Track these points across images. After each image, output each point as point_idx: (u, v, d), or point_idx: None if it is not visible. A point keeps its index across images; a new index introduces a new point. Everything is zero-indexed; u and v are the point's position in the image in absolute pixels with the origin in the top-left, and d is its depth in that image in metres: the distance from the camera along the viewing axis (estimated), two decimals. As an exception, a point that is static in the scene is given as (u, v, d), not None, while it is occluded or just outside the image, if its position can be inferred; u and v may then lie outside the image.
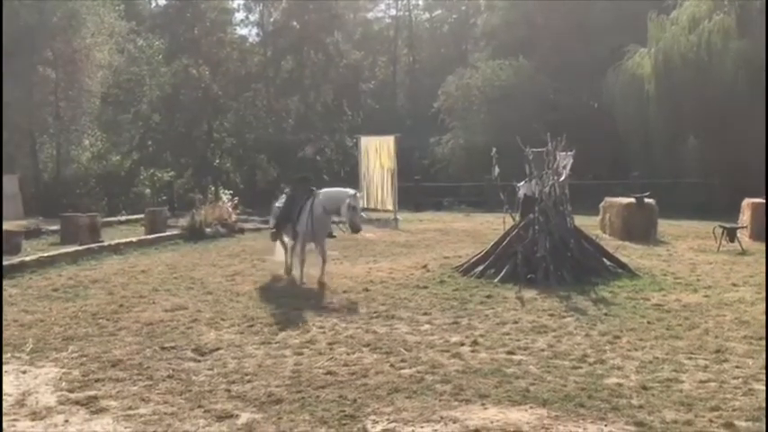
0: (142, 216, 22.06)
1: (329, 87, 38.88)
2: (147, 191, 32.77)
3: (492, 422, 5.86)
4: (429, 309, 10.18)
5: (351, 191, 12.16)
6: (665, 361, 7.53)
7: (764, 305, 10.25)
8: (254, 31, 43.20)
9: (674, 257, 15.52)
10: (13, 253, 14.99)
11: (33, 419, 6.05)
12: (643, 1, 34.35)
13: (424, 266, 13.90)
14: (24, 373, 7.30)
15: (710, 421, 5.87)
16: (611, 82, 33.47)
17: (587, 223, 18.27)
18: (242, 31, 43.54)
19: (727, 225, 17.22)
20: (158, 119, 35.97)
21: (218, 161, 37.76)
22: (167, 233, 19.35)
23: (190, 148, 35.92)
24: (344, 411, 6.13)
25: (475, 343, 8.30)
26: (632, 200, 19.51)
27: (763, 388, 6.63)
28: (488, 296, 11.05)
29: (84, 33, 28.67)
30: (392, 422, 5.92)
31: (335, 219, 12.71)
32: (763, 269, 13.64)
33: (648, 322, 9.25)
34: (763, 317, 9.53)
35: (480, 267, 12.94)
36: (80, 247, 16.02)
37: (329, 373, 7.17)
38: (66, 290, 11.81)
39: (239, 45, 41.14)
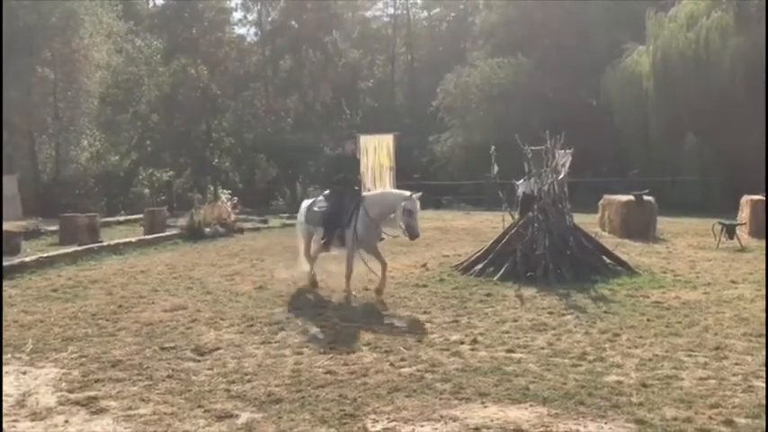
0: (141, 216, 22.09)
1: (328, 86, 38.91)
2: (146, 191, 32.81)
3: (492, 420, 5.86)
4: (429, 307, 10.18)
5: (406, 192, 10.65)
6: (665, 358, 7.52)
7: (764, 302, 10.27)
8: (253, 30, 43.28)
9: (673, 255, 15.53)
10: (13, 253, 14.99)
11: (33, 420, 6.05)
12: (641, -1, 34.42)
13: (424, 265, 13.90)
14: (24, 373, 7.30)
15: (710, 418, 5.87)
16: (610, 80, 33.51)
17: (586, 221, 18.27)
18: (240, 30, 43.65)
19: (727, 222, 17.23)
20: (157, 119, 36.00)
21: (216, 161, 37.78)
22: (166, 233, 19.36)
23: (188, 147, 35.93)
24: (344, 410, 6.12)
25: (474, 341, 8.30)
26: (631, 197, 19.52)
27: (763, 385, 6.63)
28: (488, 294, 11.05)
29: (83, 33, 28.69)
30: (392, 421, 5.92)
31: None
32: (763, 266, 13.67)
33: (648, 320, 9.24)
34: (763, 314, 9.54)
35: (480, 266, 12.94)
36: (79, 248, 16.02)
37: (329, 372, 7.16)
38: (65, 290, 11.80)
39: (237, 44, 41.17)
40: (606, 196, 20.83)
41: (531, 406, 6.20)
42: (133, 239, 17.85)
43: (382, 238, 11.39)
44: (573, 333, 8.68)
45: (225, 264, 14.75)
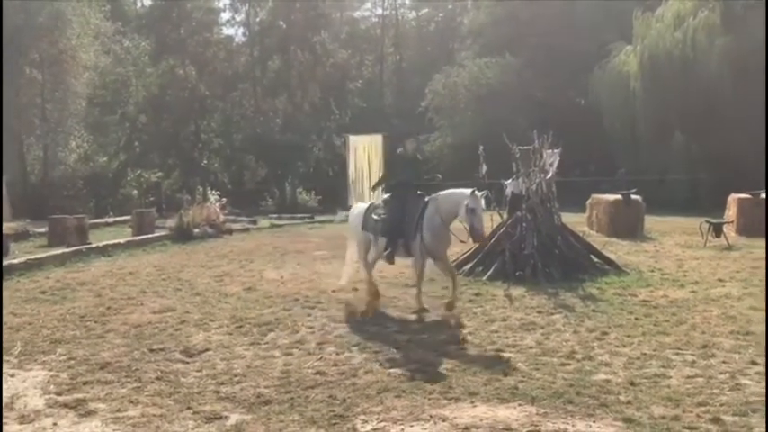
0: (130, 217, 22.01)
1: (316, 87, 38.89)
2: (135, 192, 32.69)
3: (481, 420, 5.87)
4: (417, 307, 10.18)
5: (467, 190, 9.59)
6: (653, 357, 7.56)
7: (751, 300, 10.34)
8: (241, 30, 43.24)
9: (660, 253, 15.61)
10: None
11: (22, 423, 6.03)
12: (629, -1, 34.57)
13: (413, 265, 13.89)
14: (12, 376, 7.26)
15: (698, 416, 5.90)
16: (598, 79, 33.65)
17: (575, 220, 18.35)
18: (228, 30, 43.60)
19: (714, 221, 17.34)
20: (145, 120, 35.90)
21: (205, 161, 37.70)
22: (155, 234, 19.32)
23: (177, 148, 35.85)
24: (334, 411, 6.13)
25: (464, 341, 8.32)
26: (619, 197, 19.60)
27: (750, 382, 6.68)
28: (477, 294, 11.08)
29: (70, 35, 28.56)
30: (381, 421, 5.93)
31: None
32: (749, 264, 13.78)
33: (636, 318, 9.29)
34: (749, 312, 9.61)
35: (469, 265, 12.98)
36: (68, 250, 15.97)
37: (318, 373, 7.17)
38: (53, 292, 11.76)
39: (226, 45, 41.10)
40: (594, 195, 20.92)
41: (519, 405, 6.22)
42: (122, 241, 17.81)
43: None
44: (561, 332, 8.71)
45: (214, 265, 14.73)
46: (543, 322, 9.23)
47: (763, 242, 16.80)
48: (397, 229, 9.96)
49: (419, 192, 10.20)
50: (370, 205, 10.71)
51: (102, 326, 9.37)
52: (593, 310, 9.81)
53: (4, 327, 9.30)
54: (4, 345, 8.39)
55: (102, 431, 5.87)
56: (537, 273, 12.13)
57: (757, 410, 5.97)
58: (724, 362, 7.32)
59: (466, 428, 5.74)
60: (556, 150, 14.12)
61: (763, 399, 6.24)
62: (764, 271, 12.81)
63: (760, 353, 7.59)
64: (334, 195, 32.06)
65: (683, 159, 29.13)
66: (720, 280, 12.13)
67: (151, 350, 8.11)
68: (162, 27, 37.80)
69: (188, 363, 7.64)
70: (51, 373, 7.35)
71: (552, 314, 9.69)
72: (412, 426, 5.83)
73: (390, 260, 10.25)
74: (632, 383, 6.68)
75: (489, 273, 12.39)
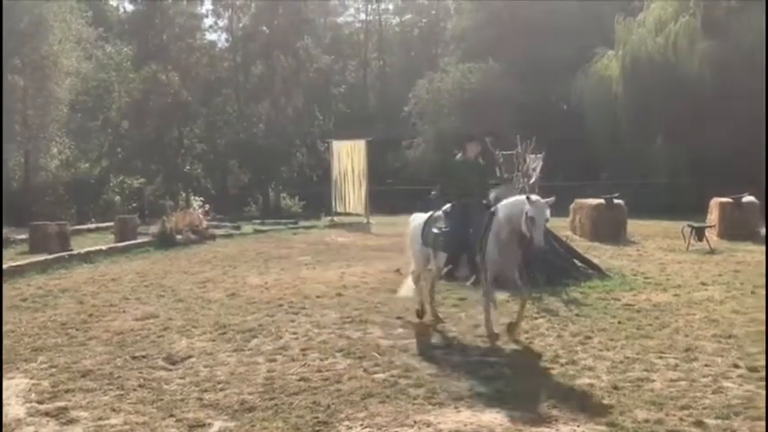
0: (112, 224, 21.86)
1: (300, 92, 38.78)
2: (117, 198, 32.47)
3: (465, 425, 5.87)
4: (402, 312, 10.18)
5: (531, 196, 8.42)
6: (636, 360, 7.59)
7: (733, 303, 10.41)
8: (224, 36, 43.05)
9: (643, 257, 15.69)
10: (-19, 263, 14.78)
11: (2, 432, 5.97)
12: (610, 3, 34.77)
13: (397, 270, 13.86)
14: (-7, 385, 7.20)
15: (681, 420, 5.93)
16: (580, 84, 33.81)
17: (558, 225, 18.35)
18: (211, 36, 43.48)
19: (696, 224, 17.44)
20: (127, 125, 35.66)
21: (188, 167, 37.51)
22: (138, 240, 19.21)
23: (160, 154, 35.66)
24: (318, 418, 6.11)
25: (448, 346, 8.33)
26: (602, 201, 19.68)
27: (732, 385, 6.72)
28: (461, 298, 11.07)
29: (52, 40, 28.38)
30: (366, 427, 5.91)
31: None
32: (731, 267, 13.88)
33: (619, 322, 9.33)
34: (732, 315, 9.68)
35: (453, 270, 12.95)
36: (49, 256, 15.83)
37: (302, 379, 7.14)
38: (35, 299, 11.66)
39: (209, 50, 40.92)
40: (577, 200, 20.99)
41: (504, 410, 6.22)
42: (104, 247, 17.68)
43: None
44: (545, 336, 8.74)
45: (197, 271, 14.66)
46: (527, 327, 9.23)
47: (744, 246, 16.96)
48: (461, 244, 8.86)
49: (484, 201, 8.98)
50: (429, 216, 9.56)
51: (83, 333, 9.30)
52: (577, 315, 9.85)
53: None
54: (-15, 353, 8.31)
55: (83, 440, 5.82)
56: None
57: (740, 414, 6.01)
58: (706, 365, 7.36)
59: (450, 434, 5.74)
60: (539, 155, 14.16)
61: (746, 401, 6.29)
62: (745, 274, 12.93)
63: (742, 356, 7.65)
64: (318, 200, 32.02)
65: (665, 163, 29.32)
66: (703, 283, 12.20)
67: (133, 357, 8.06)
68: (144, 32, 37.59)
69: (171, 370, 7.60)
70: (33, 381, 7.28)
71: (536, 318, 9.72)
72: (396, 431, 5.82)
73: (451, 278, 9.60)
74: (616, 387, 6.71)
75: (473, 277, 12.36)
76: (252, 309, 10.64)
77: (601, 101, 32.41)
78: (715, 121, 27.87)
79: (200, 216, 21.16)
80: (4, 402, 6.65)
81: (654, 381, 6.94)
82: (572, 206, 21.07)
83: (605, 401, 6.36)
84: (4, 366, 7.81)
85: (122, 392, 6.87)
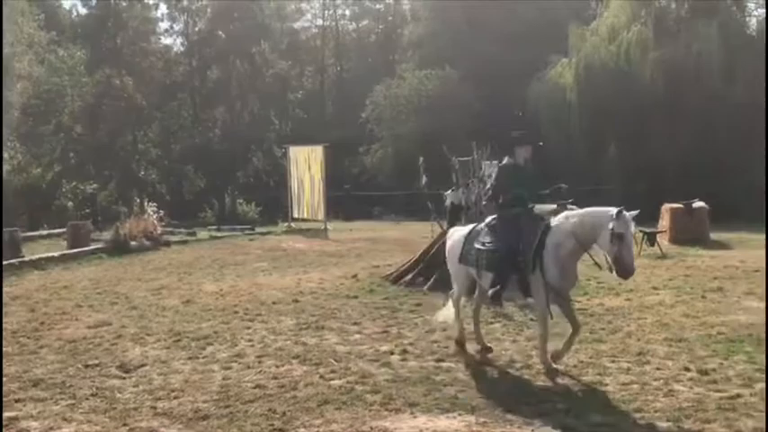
0: (64, 230, 21.47)
1: (256, 97, 38.65)
2: (70, 204, 31.86)
3: (421, 431, 5.89)
4: (359, 318, 10.18)
5: (613, 209, 7.21)
6: (590, 365, 7.68)
7: (684, 307, 10.60)
8: (179, 40, 42.70)
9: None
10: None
11: (-52, 444, 5.83)
12: (565, 10, 35.22)
13: (354, 276, 13.91)
14: (-61, 396, 7.02)
15: (634, 423, 6.03)
16: (536, 91, 34.16)
17: (514, 230, 18.52)
18: (166, 40, 43.00)
19: (648, 230, 17.71)
20: (80, 130, 35.15)
21: (143, 172, 37.09)
22: (91, 247, 18.91)
23: (113, 159, 35.21)
24: (273, 425, 6.07)
25: (404, 351, 8.33)
26: (554, 206, 19.87)
27: (683, 389, 6.83)
28: (418, 304, 11.11)
29: (3, 43, 27.81)
30: (322, 434, 5.90)
31: None
32: (682, 272, 14.14)
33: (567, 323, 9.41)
34: (683, 319, 9.86)
35: (410, 276, 13.01)
36: (-1, 264, 15.49)
37: (258, 386, 7.09)
38: (-17, 308, 11.40)
39: (164, 54, 40.56)
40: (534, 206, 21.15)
41: (459, 415, 6.25)
42: (56, 254, 17.38)
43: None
44: (501, 341, 8.81)
45: (151, 278, 14.48)
46: (483, 331, 9.28)
47: (695, 250, 17.29)
48: (511, 262, 7.67)
49: (536, 213, 8.09)
50: (471, 231, 8.33)
51: (35, 341, 9.12)
52: (532, 319, 9.90)
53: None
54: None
55: (33, 451, 5.71)
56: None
57: (690, 416, 6.11)
58: (658, 369, 7.48)
59: (406, 440, 5.75)
60: (494, 162, 14.26)
61: (696, 404, 6.40)
62: (696, 278, 13.18)
63: (692, 359, 7.78)
64: (275, 206, 31.87)
65: (617, 169, 29.73)
66: (654, 288, 12.40)
67: (86, 366, 7.93)
68: (98, 36, 37.16)
69: (124, 378, 7.49)
70: (-19, 391, 7.11)
71: (492, 323, 9.77)
72: (352, 438, 5.82)
73: (498, 302, 7.94)
74: (570, 391, 6.79)
75: (430, 283, 12.43)
76: (207, 316, 10.54)
77: (555, 107, 32.77)
78: (667, 127, 28.40)
79: (155, 222, 20.91)
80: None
81: (607, 384, 7.04)
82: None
83: (560, 405, 6.42)
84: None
85: (74, 401, 6.75)
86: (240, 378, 7.39)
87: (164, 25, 41.37)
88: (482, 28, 38.61)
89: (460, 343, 8.39)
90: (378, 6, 56.60)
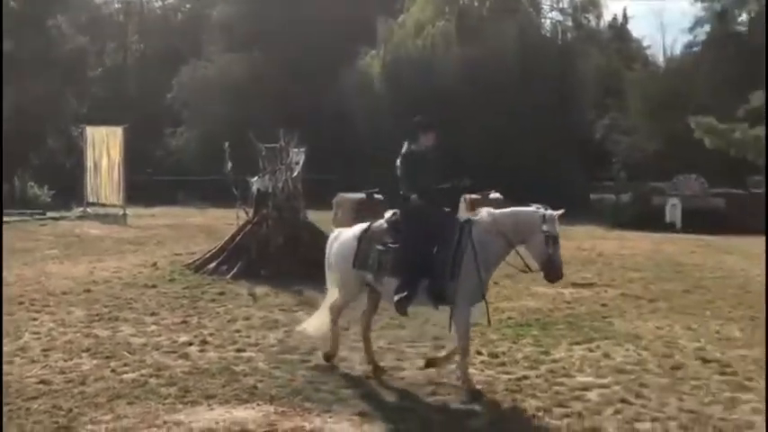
0: None
1: (52, 73, 36.22)
2: None
3: (217, 423, 5.73)
4: (157, 309, 9.80)
5: (541, 209, 6.59)
6: (390, 350, 7.85)
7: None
8: (-37, 7, 39.17)
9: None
10: None
11: None
12: (374, 3, 35.79)
13: (154, 264, 13.42)
14: None
15: (429, 406, 6.20)
16: (346, 80, 34.52)
17: (322, 219, 18.64)
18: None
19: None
20: None
21: None
22: None
23: None
24: (58, 423, 5.69)
25: (204, 342, 8.11)
26: (363, 196, 20.18)
27: (475, 371, 7.11)
28: (220, 293, 10.89)
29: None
30: (111, 431, 5.59)
31: None
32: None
33: (376, 314, 9.56)
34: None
35: (213, 264, 12.73)
36: None
37: (42, 382, 6.62)
38: None
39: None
40: (340, 194, 21.34)
41: (258, 405, 6.16)
42: None
43: None
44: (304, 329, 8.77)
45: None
46: (287, 320, 9.25)
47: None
48: (422, 265, 6.69)
49: (448, 208, 7.11)
50: (365, 229, 7.17)
51: None
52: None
53: None
54: None
55: None
56: (282, 271, 12.13)
57: (479, 398, 6.36)
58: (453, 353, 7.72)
59: (201, 433, 5.57)
60: (302, 149, 14.24)
61: (486, 386, 6.69)
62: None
63: (485, 343, 8.14)
64: (69, 190, 30.07)
65: (422, 161, 30.66)
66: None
67: None
68: None
69: None
70: None
71: (295, 312, 9.74)
72: (144, 434, 5.56)
73: (403, 309, 6.89)
74: (369, 377, 6.88)
75: (234, 271, 12.23)
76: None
77: (364, 98, 33.29)
78: (470, 121, 29.67)
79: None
80: None
81: (405, 369, 7.20)
82: (335, 200, 21.40)
83: (359, 391, 6.50)
84: None
85: None
86: (23, 373, 6.87)
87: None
88: (293, 13, 38.35)
89: (331, 356, 7.34)
90: (185, -16, 54.86)
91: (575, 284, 11.93)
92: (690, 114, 23.70)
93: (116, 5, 53.29)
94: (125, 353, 7.59)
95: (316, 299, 10.30)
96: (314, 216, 15.04)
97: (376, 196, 20.31)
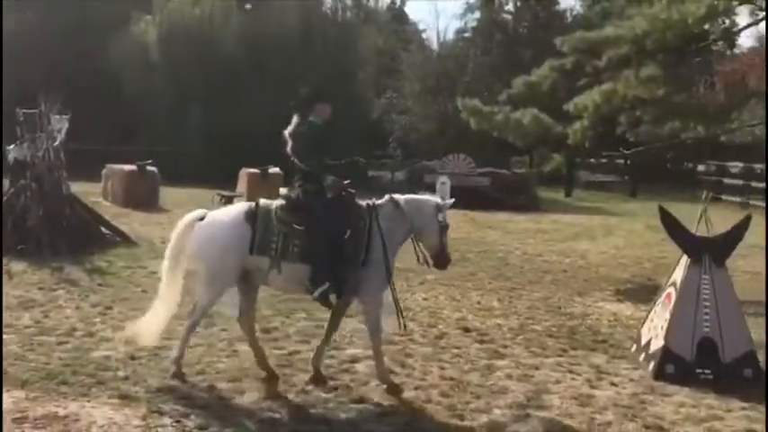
0: None
1: None
2: None
3: (-42, 412, 5.24)
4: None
5: (437, 198, 6.58)
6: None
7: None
8: None
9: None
10: None
11: None
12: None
13: None
14: None
15: (194, 386, 6.04)
16: (118, 47, 32.72)
17: (90, 190, 17.72)
18: None
19: (226, 193, 18.10)
20: None
21: None
22: None
23: None
24: None
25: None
26: (134, 167, 19.37)
27: (246, 348, 7.02)
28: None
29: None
30: None
31: None
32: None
33: (143, 291, 9.15)
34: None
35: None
36: None
37: None
38: None
39: None
40: (109, 165, 20.33)
41: (8, 391, 5.70)
42: None
43: None
44: (63, 309, 8.29)
45: None
46: (44, 299, 8.65)
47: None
48: (337, 249, 6.09)
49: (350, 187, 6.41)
50: (252, 208, 6.28)
51: None
52: (100, 285, 9.51)
53: None
54: None
55: None
56: (41, 246, 11.33)
57: (249, 375, 6.29)
58: (224, 329, 7.59)
59: (-62, 425, 5.06)
60: (65, 116, 13.32)
61: (254, 364, 6.62)
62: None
63: (257, 318, 8.02)
64: None
65: (200, 132, 29.86)
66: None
67: None
68: None
69: None
70: None
71: (55, 290, 9.15)
72: None
73: (327, 301, 6.24)
74: (133, 358, 6.60)
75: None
76: None
77: (139, 66, 31.81)
78: (248, 93, 29.29)
79: None
80: None
81: (172, 348, 6.91)
82: (104, 171, 20.36)
83: (120, 373, 6.20)
84: None
85: None
86: None
87: None
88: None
89: (179, 373, 6.19)
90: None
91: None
92: (459, 97, 24.96)
93: None
94: None
95: (79, 277, 9.81)
96: (81, 188, 14.20)
97: (148, 168, 19.62)
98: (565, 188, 28.65)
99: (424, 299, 9.79)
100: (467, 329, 8.23)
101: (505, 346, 7.64)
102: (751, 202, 23.34)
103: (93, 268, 10.46)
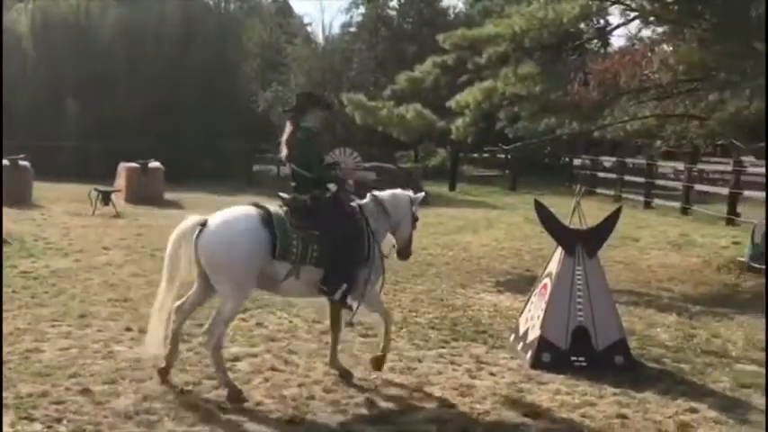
0: None
1: None
2: None
3: None
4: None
5: (410, 192, 6.90)
6: (27, 331, 7.24)
7: (133, 267, 10.67)
8: None
9: (48, 222, 15.19)
10: None
11: None
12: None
13: None
14: None
15: (67, 389, 5.81)
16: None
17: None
18: None
19: (103, 188, 17.48)
20: None
21: None
22: None
23: None
24: None
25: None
26: (6, 162, 18.46)
27: (123, 349, 6.85)
28: None
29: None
30: None
31: None
32: (134, 231, 14.37)
33: (13, 291, 8.79)
34: (130, 278, 9.97)
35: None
36: None
37: None
38: None
39: None
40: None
41: None
42: None
43: None
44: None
45: None
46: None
47: (149, 210, 17.66)
48: (353, 250, 6.23)
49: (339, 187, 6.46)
50: (268, 215, 6.04)
51: None
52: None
53: None
54: None
55: None
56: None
57: (126, 377, 6.10)
58: (99, 330, 7.37)
59: None
60: None
61: (134, 363, 6.45)
62: (147, 237, 13.40)
63: (135, 318, 7.84)
64: None
65: (75, 126, 28.70)
66: (105, 248, 12.28)
67: None
68: None
69: None
70: None
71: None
72: None
73: (347, 304, 6.36)
74: (2, 362, 6.27)
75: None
76: None
77: (11, 57, 30.25)
78: (125, 87, 28.50)
79: None
80: None
81: (44, 351, 6.70)
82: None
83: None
84: None
85: None
86: None
87: None
88: None
89: (165, 375, 6.10)
90: None
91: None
92: (344, 91, 25.00)
93: None
94: None
95: None
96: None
97: (21, 162, 18.74)
98: (449, 182, 29.10)
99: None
100: (351, 324, 8.24)
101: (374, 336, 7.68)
102: (623, 195, 24.37)
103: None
